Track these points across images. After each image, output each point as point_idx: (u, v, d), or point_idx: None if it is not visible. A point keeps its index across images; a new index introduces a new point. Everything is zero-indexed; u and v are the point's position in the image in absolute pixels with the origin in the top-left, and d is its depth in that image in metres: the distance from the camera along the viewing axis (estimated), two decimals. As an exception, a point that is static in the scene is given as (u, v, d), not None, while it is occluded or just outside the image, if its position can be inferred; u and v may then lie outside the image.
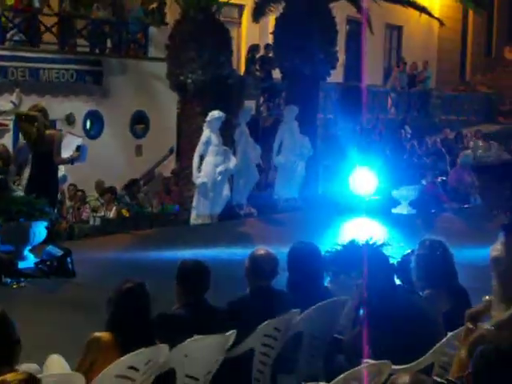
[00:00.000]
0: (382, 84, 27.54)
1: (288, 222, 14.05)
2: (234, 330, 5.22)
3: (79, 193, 15.96)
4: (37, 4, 17.92)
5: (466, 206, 16.56)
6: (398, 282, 5.89)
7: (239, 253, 9.63)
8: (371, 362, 4.76)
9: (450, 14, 28.43)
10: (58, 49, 18.26)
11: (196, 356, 4.99)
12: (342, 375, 4.41)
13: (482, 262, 5.71)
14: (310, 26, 16.65)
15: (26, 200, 10.12)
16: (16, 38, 17.68)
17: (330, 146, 18.32)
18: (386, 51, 29.53)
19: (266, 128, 19.27)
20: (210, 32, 15.23)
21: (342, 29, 22.88)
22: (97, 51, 18.89)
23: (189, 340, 4.96)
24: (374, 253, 5.98)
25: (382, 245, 6.57)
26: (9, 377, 3.65)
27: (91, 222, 15.27)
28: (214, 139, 13.94)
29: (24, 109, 13.44)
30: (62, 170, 12.03)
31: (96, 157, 14.99)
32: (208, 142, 13.92)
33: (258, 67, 21.79)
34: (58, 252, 9.58)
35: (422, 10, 19.63)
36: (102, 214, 15.46)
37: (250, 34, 23.36)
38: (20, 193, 10.96)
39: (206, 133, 13.97)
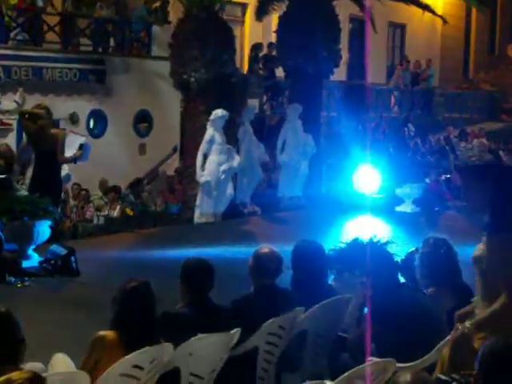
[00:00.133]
0: (385, 82, 27.52)
1: (292, 221, 14.03)
2: (239, 329, 5.22)
3: (83, 192, 15.96)
4: (40, 3, 17.93)
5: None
6: (402, 279, 5.89)
7: (243, 251, 9.60)
8: (376, 359, 4.76)
9: (453, 12, 28.41)
10: (61, 48, 18.27)
11: (200, 354, 4.98)
12: (346, 373, 4.42)
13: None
14: (313, 25, 16.61)
15: (30, 199, 10.12)
16: (19, 37, 17.66)
17: (334, 144, 18.30)
18: (389, 49, 29.51)
19: (272, 126, 19.23)
20: (213, 30, 15.21)
21: (345, 27, 22.92)
22: (100, 50, 18.89)
23: (193, 338, 4.96)
24: (378, 251, 5.99)
25: (386, 243, 6.57)
26: (14, 376, 3.65)
27: (95, 221, 15.25)
28: (218, 138, 13.92)
29: (27, 108, 13.41)
30: (65, 169, 12.05)
31: (99, 156, 15.02)
32: (211, 141, 13.91)
33: (261, 66, 21.81)
34: (62, 251, 9.58)
35: (425, 7, 19.60)
36: (106, 212, 15.44)
37: (253, 32, 23.33)
38: (24, 192, 10.95)
39: (210, 131, 13.95)
